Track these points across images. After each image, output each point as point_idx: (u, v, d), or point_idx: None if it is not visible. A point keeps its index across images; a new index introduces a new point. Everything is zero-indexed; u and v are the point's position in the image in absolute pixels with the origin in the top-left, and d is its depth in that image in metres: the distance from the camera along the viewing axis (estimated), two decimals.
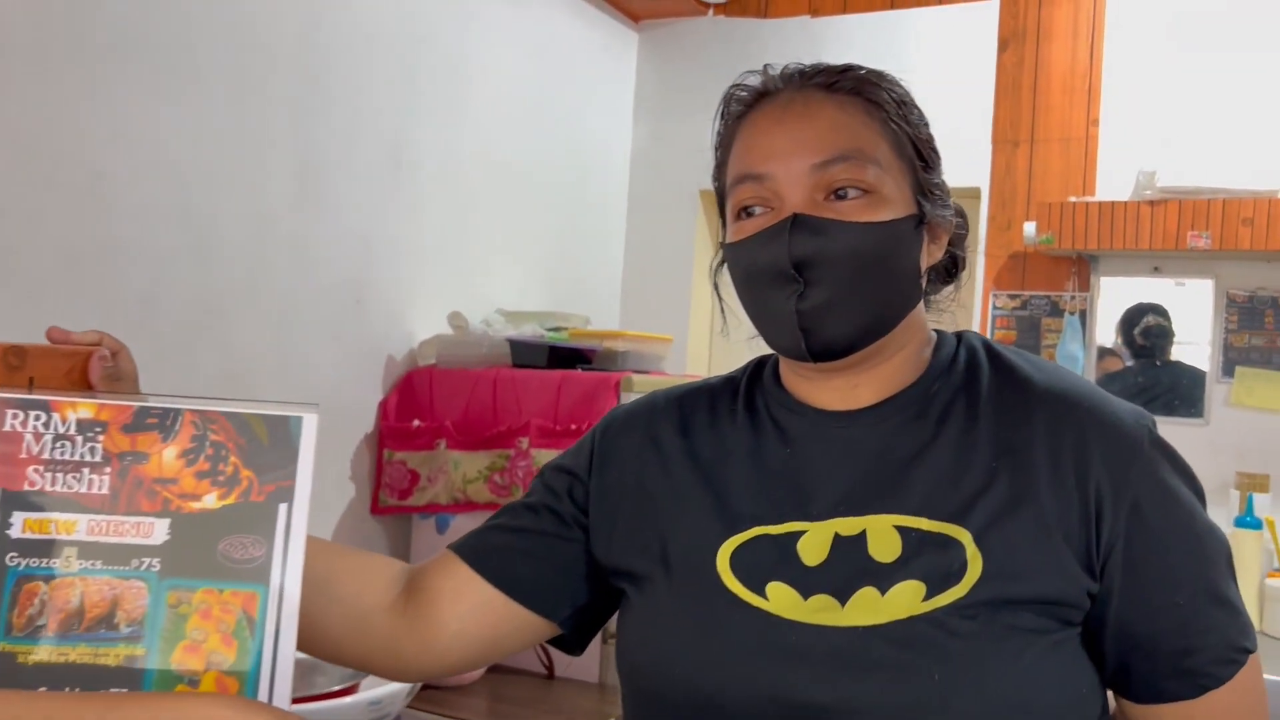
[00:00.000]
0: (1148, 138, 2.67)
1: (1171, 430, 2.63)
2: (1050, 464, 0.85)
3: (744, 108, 0.94)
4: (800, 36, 3.06)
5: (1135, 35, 2.72)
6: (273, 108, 2.03)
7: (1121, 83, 2.73)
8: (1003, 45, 2.86)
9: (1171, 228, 2.45)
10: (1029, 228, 2.64)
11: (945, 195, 0.94)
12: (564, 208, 3.01)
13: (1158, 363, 2.70)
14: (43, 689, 0.75)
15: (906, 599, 0.81)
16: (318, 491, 2.50)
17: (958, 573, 0.82)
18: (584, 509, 0.99)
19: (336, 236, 2.20)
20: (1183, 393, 2.66)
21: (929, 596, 0.81)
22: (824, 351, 0.88)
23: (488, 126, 2.66)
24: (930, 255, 0.93)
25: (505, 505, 1.04)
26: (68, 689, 0.76)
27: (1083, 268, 2.73)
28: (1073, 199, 2.64)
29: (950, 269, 1.01)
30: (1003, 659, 0.80)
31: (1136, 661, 0.85)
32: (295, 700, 0.81)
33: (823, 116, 0.88)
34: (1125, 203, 2.53)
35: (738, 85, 0.95)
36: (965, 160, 2.81)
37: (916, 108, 0.93)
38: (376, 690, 1.50)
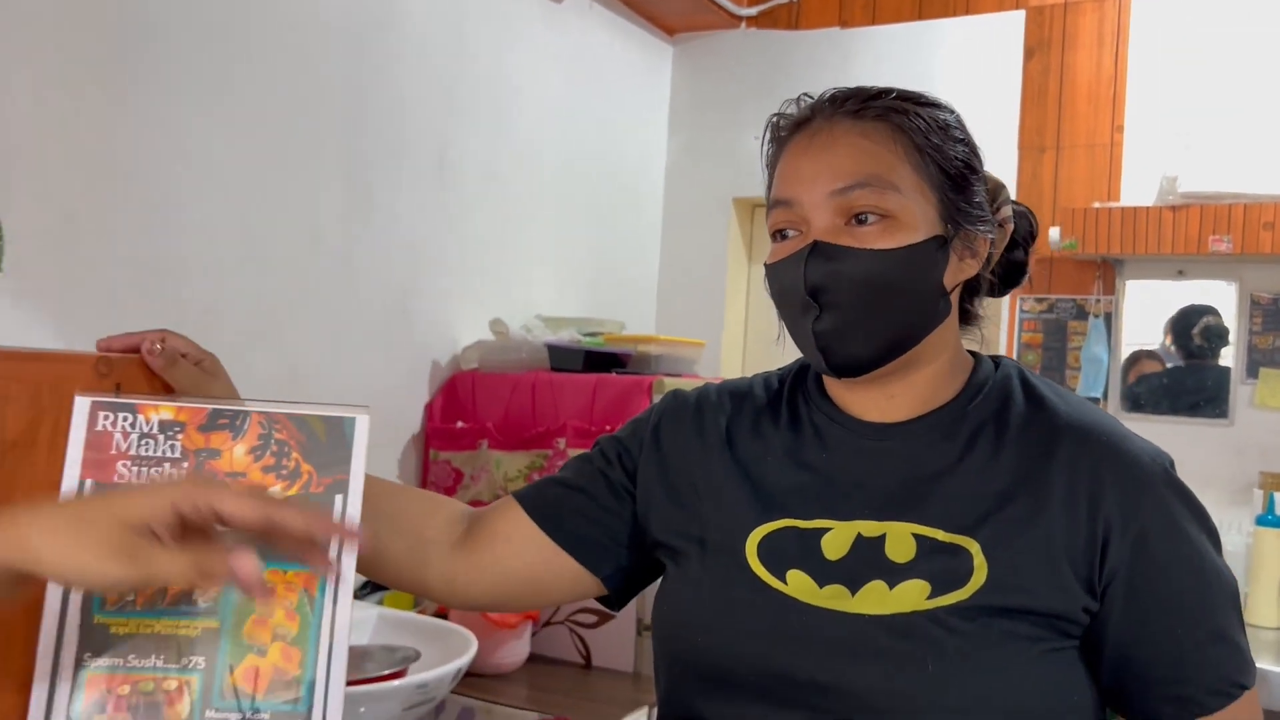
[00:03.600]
0: (1170, 143, 2.72)
1: (1197, 431, 2.69)
2: (1066, 493, 0.90)
3: (785, 134, 1.01)
4: (830, 47, 3.13)
5: (1158, 42, 2.77)
6: (323, 125, 2.15)
7: (1145, 89, 2.78)
8: (1029, 54, 2.92)
9: (1194, 232, 2.50)
10: (1054, 233, 2.70)
11: (981, 211, 0.99)
12: (602, 216, 3.11)
13: (1183, 364, 2.74)
14: (132, 656, 0.86)
15: (912, 595, 0.89)
16: None
17: (963, 578, 0.88)
18: (632, 479, 1.08)
19: (384, 247, 2.31)
20: (1208, 394, 2.70)
21: (933, 595, 0.88)
22: (845, 368, 0.95)
23: (529, 139, 2.77)
24: (963, 270, 0.98)
25: (568, 461, 1.14)
26: (153, 657, 0.87)
27: (1107, 272, 2.79)
28: (1097, 204, 2.69)
29: (1011, 275, 1.07)
30: (995, 660, 0.86)
31: (1129, 682, 0.91)
32: (347, 684, 0.91)
33: (845, 144, 0.94)
34: (1148, 208, 2.57)
35: (779, 114, 1.03)
36: (991, 167, 2.82)
37: (955, 129, 0.99)
38: (424, 675, 1.60)
